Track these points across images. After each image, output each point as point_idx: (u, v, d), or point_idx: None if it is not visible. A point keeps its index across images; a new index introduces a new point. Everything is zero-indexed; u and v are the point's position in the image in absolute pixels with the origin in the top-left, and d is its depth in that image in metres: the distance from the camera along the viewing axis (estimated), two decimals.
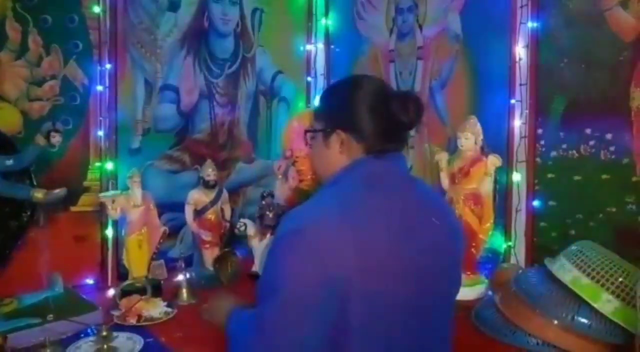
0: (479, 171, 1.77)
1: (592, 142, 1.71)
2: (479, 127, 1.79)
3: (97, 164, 1.96)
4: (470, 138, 1.78)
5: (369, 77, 1.16)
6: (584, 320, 1.35)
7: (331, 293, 0.92)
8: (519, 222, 1.87)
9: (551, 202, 1.82)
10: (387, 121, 1.06)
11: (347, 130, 1.07)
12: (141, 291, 1.70)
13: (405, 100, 1.06)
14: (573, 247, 1.48)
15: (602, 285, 1.35)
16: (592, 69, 1.70)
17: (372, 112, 1.06)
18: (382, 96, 1.07)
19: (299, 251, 0.94)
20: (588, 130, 1.71)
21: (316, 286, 0.92)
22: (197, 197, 2.01)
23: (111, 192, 1.86)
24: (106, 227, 1.96)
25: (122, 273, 1.91)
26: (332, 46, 2.61)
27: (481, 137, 1.79)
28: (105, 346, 1.36)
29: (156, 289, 1.76)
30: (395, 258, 0.98)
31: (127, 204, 1.80)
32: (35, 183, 1.73)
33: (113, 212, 1.79)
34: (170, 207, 2.11)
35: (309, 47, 2.62)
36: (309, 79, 2.63)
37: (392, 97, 1.07)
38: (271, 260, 0.99)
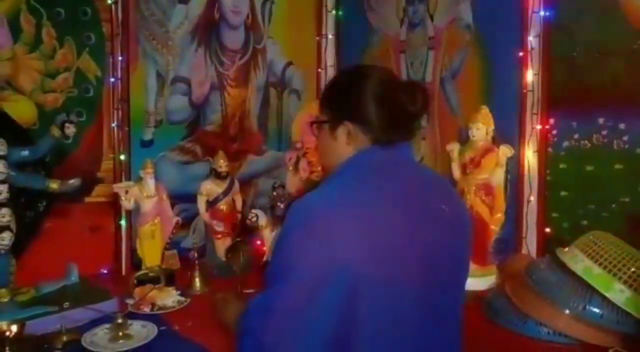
0: (491, 161, 1.77)
1: (604, 132, 1.69)
2: (490, 117, 1.78)
3: (111, 155, 1.98)
4: (481, 128, 1.77)
5: (375, 67, 1.14)
6: (595, 310, 1.35)
7: (340, 279, 0.92)
8: (531, 212, 1.86)
9: (563, 193, 1.81)
10: (395, 111, 1.05)
11: (354, 122, 1.06)
12: (155, 280, 1.73)
13: (413, 90, 1.05)
14: (585, 238, 1.47)
15: (614, 275, 1.35)
16: (605, 58, 1.69)
17: (379, 102, 1.04)
18: (390, 86, 1.06)
19: (308, 237, 0.95)
20: (601, 120, 1.70)
21: (325, 271, 0.92)
22: (209, 188, 2.02)
23: (125, 183, 1.88)
24: (120, 217, 1.98)
25: (135, 263, 1.94)
26: (343, 37, 2.60)
27: (492, 127, 1.78)
28: (120, 333, 1.39)
29: (169, 279, 1.78)
30: (404, 245, 0.97)
31: (140, 194, 1.83)
32: (50, 174, 1.75)
33: (126, 203, 1.82)
34: (182, 198, 2.13)
35: (319, 38, 2.62)
36: (319, 70, 2.62)
37: (400, 86, 1.06)
38: (280, 246, 1.00)
